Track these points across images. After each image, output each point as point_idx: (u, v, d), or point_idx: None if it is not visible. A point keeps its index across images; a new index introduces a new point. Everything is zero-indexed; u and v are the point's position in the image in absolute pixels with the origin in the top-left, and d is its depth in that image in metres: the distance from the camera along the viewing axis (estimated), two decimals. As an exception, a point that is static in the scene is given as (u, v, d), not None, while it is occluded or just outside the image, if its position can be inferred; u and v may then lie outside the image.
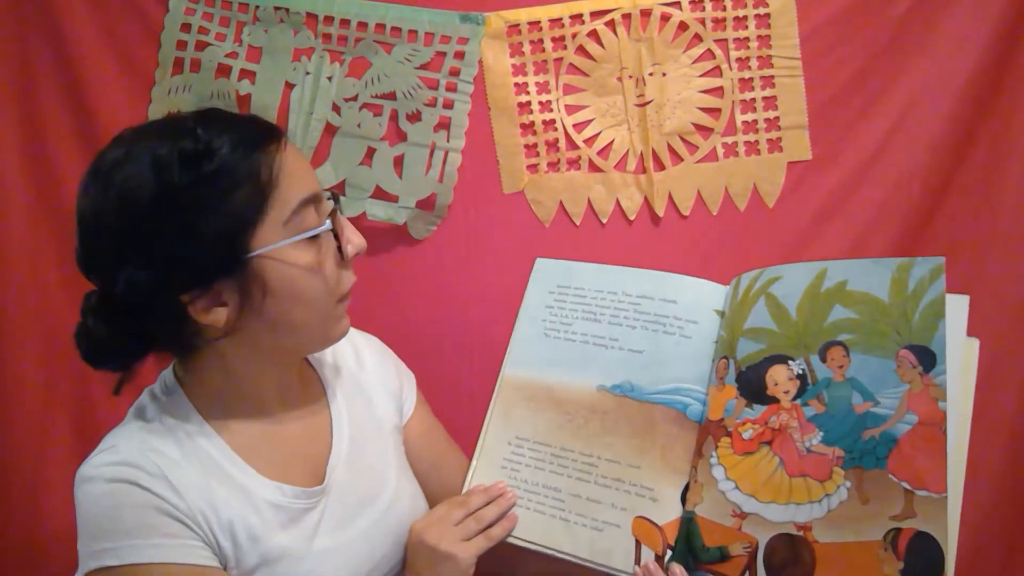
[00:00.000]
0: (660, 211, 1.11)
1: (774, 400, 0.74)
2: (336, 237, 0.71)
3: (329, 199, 0.73)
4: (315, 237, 0.69)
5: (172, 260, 0.64)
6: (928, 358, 0.69)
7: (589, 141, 1.12)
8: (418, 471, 0.88)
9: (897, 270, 0.72)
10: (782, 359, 0.75)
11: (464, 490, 0.83)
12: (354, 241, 0.73)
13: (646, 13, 1.09)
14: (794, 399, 0.73)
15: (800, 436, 0.72)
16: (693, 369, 0.80)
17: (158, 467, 0.67)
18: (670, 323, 0.83)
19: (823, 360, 0.73)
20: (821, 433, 0.71)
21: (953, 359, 0.68)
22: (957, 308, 0.70)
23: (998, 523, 1.08)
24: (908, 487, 0.66)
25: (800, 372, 0.74)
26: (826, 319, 0.74)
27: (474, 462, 0.85)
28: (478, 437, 0.86)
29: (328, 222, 0.70)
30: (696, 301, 0.83)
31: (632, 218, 1.12)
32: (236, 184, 0.65)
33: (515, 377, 0.87)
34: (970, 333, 0.69)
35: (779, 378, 0.74)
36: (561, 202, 1.13)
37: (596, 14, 1.10)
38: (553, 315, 0.88)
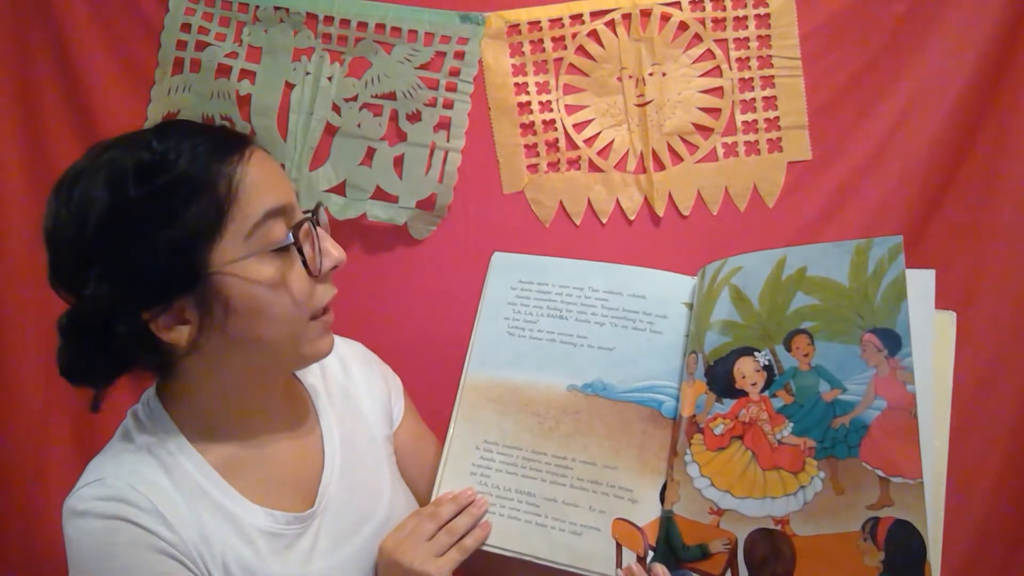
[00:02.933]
0: (660, 211, 1.11)
1: (743, 393, 0.73)
2: (300, 252, 0.67)
3: (306, 212, 0.69)
4: (281, 250, 0.66)
5: (129, 275, 0.63)
6: (893, 341, 0.68)
7: (589, 141, 1.12)
8: (408, 477, 0.86)
9: (855, 252, 0.72)
10: (748, 351, 0.74)
11: (432, 499, 0.81)
12: (332, 254, 0.69)
13: (646, 13, 1.09)
14: (762, 391, 0.73)
15: (770, 428, 0.71)
16: (665, 365, 0.79)
17: (150, 501, 0.65)
18: (639, 318, 0.82)
19: (788, 350, 0.72)
20: (791, 424, 0.70)
21: (923, 335, 0.67)
22: (923, 283, 0.69)
23: (998, 523, 1.07)
24: (882, 474, 0.65)
25: (766, 363, 0.73)
26: (788, 308, 0.73)
27: (441, 470, 0.82)
28: (443, 443, 0.84)
29: (290, 235, 0.66)
30: (665, 295, 0.82)
31: (632, 218, 1.12)
32: (191, 197, 0.63)
33: (479, 378, 0.85)
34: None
35: (746, 370, 0.74)
36: (561, 202, 1.13)
37: (596, 14, 1.09)
38: (516, 312, 0.86)
